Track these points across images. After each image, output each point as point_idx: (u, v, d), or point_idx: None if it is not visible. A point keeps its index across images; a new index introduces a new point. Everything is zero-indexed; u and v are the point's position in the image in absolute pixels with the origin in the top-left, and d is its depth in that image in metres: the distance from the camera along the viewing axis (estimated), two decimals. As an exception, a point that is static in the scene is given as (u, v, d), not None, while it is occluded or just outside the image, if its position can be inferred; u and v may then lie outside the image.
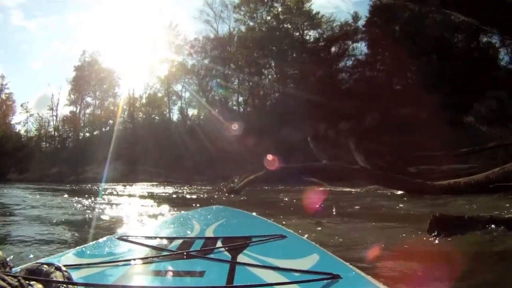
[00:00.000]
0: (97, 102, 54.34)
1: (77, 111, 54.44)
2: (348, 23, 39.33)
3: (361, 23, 38.46)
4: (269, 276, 1.30)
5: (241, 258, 1.54)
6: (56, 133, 55.69)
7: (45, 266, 1.07)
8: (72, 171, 43.55)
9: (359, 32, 38.59)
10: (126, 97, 52.23)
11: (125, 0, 64.21)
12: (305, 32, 42.16)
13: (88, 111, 54.94)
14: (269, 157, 26.49)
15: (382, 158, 21.15)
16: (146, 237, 2.05)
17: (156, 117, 51.77)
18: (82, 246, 1.84)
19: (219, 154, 34.07)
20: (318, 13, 41.30)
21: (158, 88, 51.31)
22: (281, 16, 42.51)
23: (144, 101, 52.51)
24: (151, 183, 28.62)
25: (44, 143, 57.26)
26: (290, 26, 42.20)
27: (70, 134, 55.96)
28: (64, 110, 55.71)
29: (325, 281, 1.21)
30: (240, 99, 46.31)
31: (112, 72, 53.00)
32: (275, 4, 43.10)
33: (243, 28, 44.83)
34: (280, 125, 32.37)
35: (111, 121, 52.17)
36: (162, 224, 2.85)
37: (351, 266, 1.41)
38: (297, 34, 42.13)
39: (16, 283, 0.87)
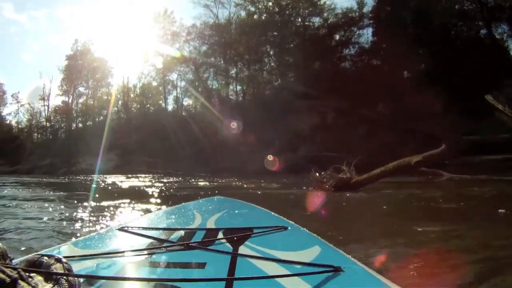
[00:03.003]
0: (90, 92, 53.64)
1: (70, 101, 53.74)
2: (353, 9, 38.30)
3: (366, 9, 37.69)
4: (270, 268, 1.28)
5: (242, 249, 1.52)
6: (48, 123, 55.15)
7: (45, 257, 1.03)
8: (65, 163, 42.79)
9: (365, 18, 37.64)
10: (120, 86, 51.62)
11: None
12: (307, 18, 41.17)
13: (80, 101, 54.21)
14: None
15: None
16: (146, 228, 1.99)
17: (151, 107, 50.95)
18: (82, 237, 1.81)
19: (219, 144, 33.16)
20: (320, -1, 40.35)
21: (153, 77, 50.47)
22: (283, 2, 41.26)
23: (138, 90, 51.76)
24: (149, 175, 27.84)
25: (35, 134, 56.92)
26: (292, 12, 41.01)
27: (62, 125, 55.35)
28: (56, 101, 55.11)
29: (327, 273, 1.19)
30: (239, 88, 45.31)
31: (105, 61, 52.36)
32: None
33: (243, 13, 44.00)
34: (284, 114, 31.40)
35: (104, 111, 51.40)
36: (163, 215, 2.72)
37: (353, 259, 1.38)
38: (299, 20, 41.16)
39: (16, 275, 0.83)
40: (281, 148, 27.75)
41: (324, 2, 40.01)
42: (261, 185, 14.18)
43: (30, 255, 1.07)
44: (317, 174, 10.88)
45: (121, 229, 1.89)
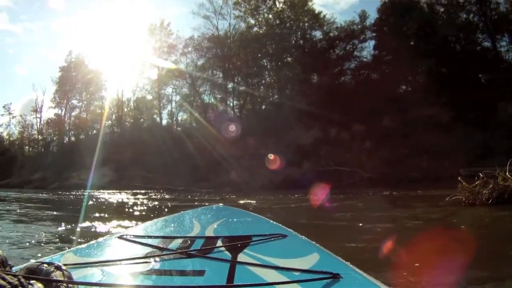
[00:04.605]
0: (83, 105, 52.66)
1: (62, 114, 52.76)
2: (355, 22, 37.79)
3: (368, 21, 37.34)
4: (269, 276, 1.31)
5: (241, 257, 1.55)
6: (40, 136, 54.22)
7: (45, 265, 1.06)
8: (57, 177, 41.68)
9: (368, 31, 37.25)
10: (114, 99, 50.66)
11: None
12: (308, 31, 40.74)
13: (73, 114, 53.21)
14: (270, 156, 25.34)
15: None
16: (146, 236, 2.05)
17: (146, 121, 49.94)
18: (82, 245, 1.83)
19: (218, 160, 32.28)
20: (321, 12, 40.18)
21: (148, 90, 49.65)
22: (284, 14, 40.92)
23: (132, 104, 50.88)
24: (147, 190, 27.09)
25: (27, 147, 56.17)
26: (292, 24, 40.51)
27: (54, 138, 54.37)
28: (49, 113, 54.11)
29: (326, 280, 1.22)
30: (236, 102, 44.67)
31: (99, 73, 51.26)
32: (277, 2, 41.52)
33: (243, 25, 43.40)
34: (284, 129, 30.78)
35: (97, 125, 50.45)
36: (162, 223, 2.70)
37: (351, 266, 1.41)
38: (299, 33, 40.65)
39: (16, 282, 0.86)
40: (284, 163, 27.14)
41: (325, 16, 39.74)
42: (274, 201, 13.28)
43: (30, 263, 1.10)
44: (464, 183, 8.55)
45: (121, 237, 1.95)
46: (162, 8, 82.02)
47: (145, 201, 14.51)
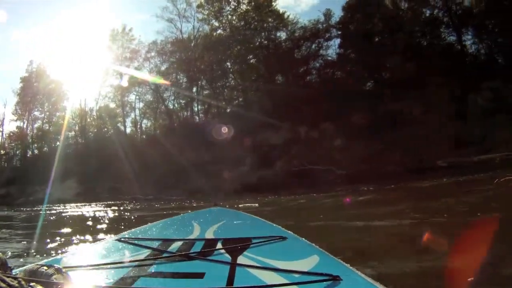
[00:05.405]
0: (45, 116, 50.94)
1: (25, 126, 50.97)
2: (320, 21, 37.46)
3: (334, 20, 37.19)
4: (269, 278, 1.31)
5: (241, 259, 1.55)
6: (2, 151, 52.07)
7: (45, 267, 1.07)
8: (21, 192, 40.06)
9: (332, 29, 37.12)
10: (77, 109, 49.29)
11: (75, 6, 60.64)
12: (273, 32, 40.35)
13: (36, 126, 51.44)
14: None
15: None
16: (146, 239, 2.03)
17: (110, 130, 48.41)
18: (82, 248, 2.13)
19: (186, 166, 31.48)
20: (285, 12, 39.84)
21: (111, 98, 48.51)
22: (248, 15, 40.42)
23: (95, 113, 49.77)
24: (115, 201, 26.04)
25: None
26: (257, 26, 40.11)
27: (17, 152, 52.56)
28: (11, 126, 52.15)
29: (325, 282, 1.22)
30: (201, 107, 44.15)
31: (61, 83, 49.67)
32: (241, 3, 41.09)
33: (207, 28, 42.86)
34: (252, 130, 30.24)
35: (61, 137, 48.40)
36: (162, 225, 2.72)
37: (351, 268, 1.40)
38: (263, 34, 40.27)
39: (17, 285, 0.87)
40: (254, 164, 26.62)
41: (288, 16, 39.48)
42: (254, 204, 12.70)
43: (30, 265, 1.10)
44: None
45: (121, 239, 1.95)
46: (124, 15, 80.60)
47: (111, 213, 13.95)
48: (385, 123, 24.11)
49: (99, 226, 8.72)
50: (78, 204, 25.23)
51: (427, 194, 10.27)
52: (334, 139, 25.66)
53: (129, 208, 17.56)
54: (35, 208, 23.34)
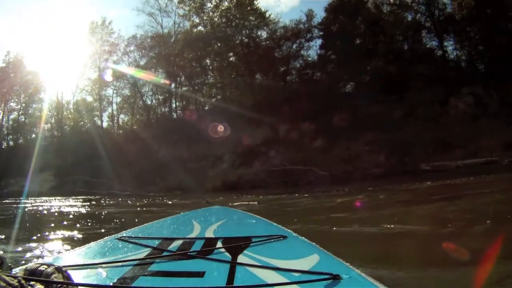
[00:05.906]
0: (21, 108, 50.04)
1: (0, 117, 49.78)
2: (302, 21, 37.55)
3: (316, 20, 37.30)
4: (269, 277, 1.31)
5: (241, 258, 1.55)
6: (-24, 142, 51.25)
7: (45, 266, 1.07)
8: (-4, 185, 39.58)
9: (314, 30, 37.21)
10: (54, 101, 48.68)
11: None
12: (254, 30, 40.14)
13: (11, 117, 50.53)
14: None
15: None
16: (146, 237, 2.04)
17: (87, 124, 47.86)
18: (82, 246, 1.84)
19: (164, 162, 31.20)
20: (266, 11, 39.74)
21: (88, 92, 47.92)
22: (230, 12, 40.19)
23: (72, 106, 49.14)
24: (90, 196, 25.29)
25: None
26: (238, 23, 39.82)
27: (-9, 143, 51.58)
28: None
29: (326, 281, 1.22)
30: (178, 104, 44.03)
31: (38, 74, 48.77)
32: (223, 1, 40.97)
33: (188, 24, 42.65)
34: (230, 128, 29.98)
35: (36, 129, 48.80)
36: (162, 224, 2.69)
37: (351, 267, 1.40)
38: (245, 32, 40.04)
39: (16, 284, 0.88)
40: (234, 163, 26.43)
41: (270, 15, 39.40)
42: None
43: (30, 264, 1.08)
44: None
45: (121, 238, 1.96)
46: (104, 8, 79.94)
47: (78, 209, 13.53)
48: (367, 125, 24.08)
49: (59, 224, 8.20)
50: (50, 198, 24.72)
51: (414, 196, 10.23)
52: (315, 139, 25.64)
53: (102, 203, 17.18)
54: (7, 201, 22.64)
